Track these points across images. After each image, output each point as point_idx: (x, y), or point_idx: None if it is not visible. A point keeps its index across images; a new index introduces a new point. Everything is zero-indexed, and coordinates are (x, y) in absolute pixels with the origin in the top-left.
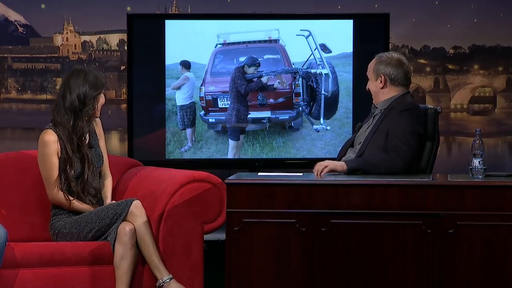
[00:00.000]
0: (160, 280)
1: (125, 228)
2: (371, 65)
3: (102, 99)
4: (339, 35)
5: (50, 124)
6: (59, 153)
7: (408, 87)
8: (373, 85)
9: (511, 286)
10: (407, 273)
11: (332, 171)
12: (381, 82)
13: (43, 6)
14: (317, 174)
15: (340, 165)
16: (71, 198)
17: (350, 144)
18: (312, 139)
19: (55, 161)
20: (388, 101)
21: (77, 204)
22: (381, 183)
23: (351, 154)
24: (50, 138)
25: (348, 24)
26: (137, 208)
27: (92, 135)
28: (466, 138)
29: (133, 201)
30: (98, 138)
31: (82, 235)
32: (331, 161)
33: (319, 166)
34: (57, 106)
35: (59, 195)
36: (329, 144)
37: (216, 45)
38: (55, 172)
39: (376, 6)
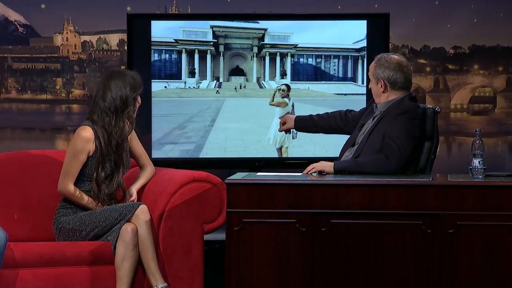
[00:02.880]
0: (155, 287)
1: (127, 228)
2: (371, 68)
3: (139, 100)
4: (339, 35)
5: (89, 121)
6: (91, 152)
7: (409, 90)
8: (374, 87)
9: (511, 286)
10: (407, 273)
11: (321, 172)
12: (381, 86)
13: (43, 6)
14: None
15: (329, 165)
16: (78, 193)
17: (351, 143)
18: (312, 139)
19: (82, 158)
20: (388, 103)
21: (86, 200)
22: (381, 183)
23: (348, 154)
24: (87, 135)
25: (348, 24)
26: (142, 212)
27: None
28: (466, 138)
29: (140, 205)
30: (128, 141)
31: (84, 233)
32: (322, 162)
33: (309, 166)
34: (96, 107)
35: (69, 188)
36: (329, 144)
37: None
38: (77, 167)
39: (376, 6)
